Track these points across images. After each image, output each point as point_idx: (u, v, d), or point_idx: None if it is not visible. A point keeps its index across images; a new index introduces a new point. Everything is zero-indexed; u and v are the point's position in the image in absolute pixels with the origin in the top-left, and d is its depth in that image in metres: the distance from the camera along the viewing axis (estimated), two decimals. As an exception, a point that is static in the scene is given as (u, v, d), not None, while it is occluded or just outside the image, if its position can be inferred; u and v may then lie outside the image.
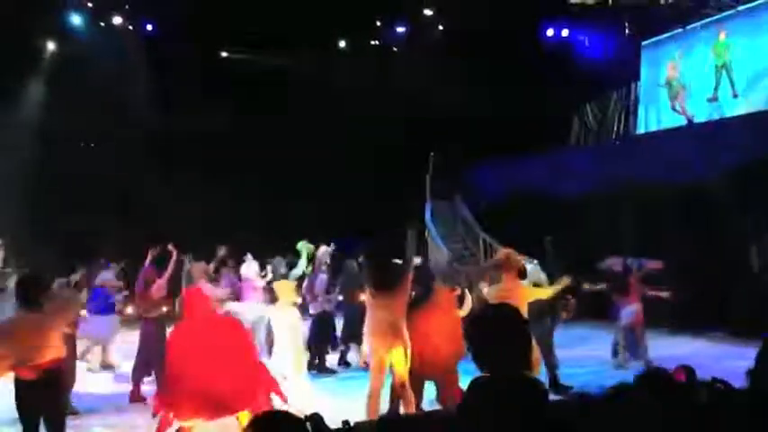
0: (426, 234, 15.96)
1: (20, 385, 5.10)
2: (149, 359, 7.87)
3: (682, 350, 9.72)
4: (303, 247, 8.61)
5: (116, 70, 16.21)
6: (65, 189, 15.55)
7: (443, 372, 6.56)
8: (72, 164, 15.61)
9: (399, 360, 6.24)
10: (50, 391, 5.12)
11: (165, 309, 8.17)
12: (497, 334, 2.53)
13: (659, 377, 2.48)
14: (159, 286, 8.09)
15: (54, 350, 5.18)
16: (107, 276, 9.83)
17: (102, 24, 16.86)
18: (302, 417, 2.33)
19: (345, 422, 2.69)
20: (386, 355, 6.23)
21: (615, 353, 9.46)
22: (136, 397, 7.95)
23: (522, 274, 6.83)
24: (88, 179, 15.62)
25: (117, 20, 16.93)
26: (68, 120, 15.55)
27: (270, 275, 9.21)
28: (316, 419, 2.32)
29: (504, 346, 2.50)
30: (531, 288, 7.01)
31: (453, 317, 6.80)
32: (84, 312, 8.98)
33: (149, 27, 17.40)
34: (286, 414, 2.35)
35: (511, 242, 8.54)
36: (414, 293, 6.68)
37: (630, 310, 9.29)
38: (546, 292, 7.03)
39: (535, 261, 8.54)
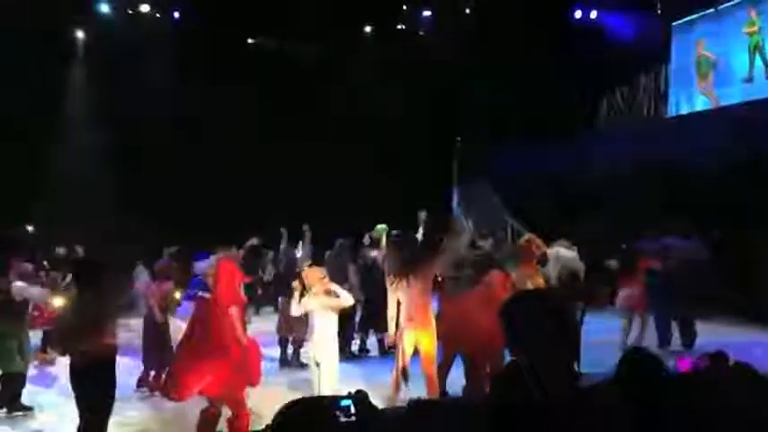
0: (455, 219, 15.94)
1: (74, 369, 5.22)
2: None
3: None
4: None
5: (144, 58, 16.35)
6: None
7: (493, 355, 6.54)
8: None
9: (426, 342, 6.28)
10: (100, 375, 5.19)
11: None
12: (525, 318, 2.47)
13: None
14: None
15: (105, 336, 5.24)
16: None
17: (130, 12, 17.00)
18: (348, 394, 2.36)
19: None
20: (411, 337, 6.28)
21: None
22: None
23: (542, 262, 6.81)
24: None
25: (144, 7, 17.06)
26: (100, 107, 15.79)
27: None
28: (362, 397, 2.34)
29: (539, 332, 2.42)
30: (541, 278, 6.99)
31: (493, 300, 6.77)
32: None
33: (176, 14, 17.50)
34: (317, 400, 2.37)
35: (537, 228, 8.53)
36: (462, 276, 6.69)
37: (627, 294, 9.22)
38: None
39: (575, 248, 8.49)
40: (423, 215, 8.73)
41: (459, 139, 17.59)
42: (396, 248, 6.63)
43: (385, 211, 11.21)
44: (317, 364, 6.41)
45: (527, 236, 7.15)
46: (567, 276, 8.25)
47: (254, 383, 5.82)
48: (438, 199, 15.98)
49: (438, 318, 6.56)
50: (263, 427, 2.67)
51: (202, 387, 5.56)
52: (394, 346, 6.59)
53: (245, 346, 5.74)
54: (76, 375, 5.15)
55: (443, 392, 6.66)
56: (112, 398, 5.26)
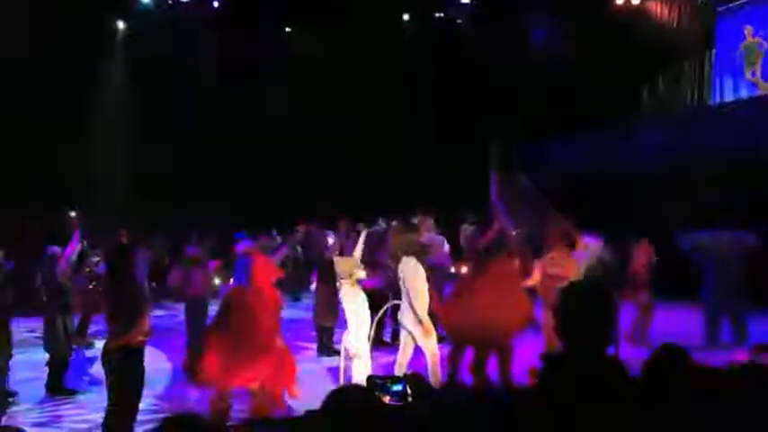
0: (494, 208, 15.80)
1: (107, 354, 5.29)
2: None
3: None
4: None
5: (184, 48, 16.48)
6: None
7: (500, 345, 6.55)
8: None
9: (425, 335, 6.29)
10: (131, 361, 5.25)
11: None
12: (581, 310, 2.49)
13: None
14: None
15: (137, 322, 5.30)
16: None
17: (170, 2, 17.12)
18: (401, 376, 2.37)
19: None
20: (411, 327, 6.32)
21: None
22: None
23: (572, 245, 6.78)
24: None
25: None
26: (142, 98, 15.98)
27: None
28: (416, 379, 2.35)
29: (588, 322, 2.46)
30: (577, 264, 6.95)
31: (513, 286, 6.74)
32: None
33: (216, 4, 17.58)
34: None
35: (579, 218, 8.43)
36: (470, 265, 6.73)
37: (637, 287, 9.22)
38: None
39: (601, 239, 8.38)
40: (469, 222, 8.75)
41: (494, 136, 17.41)
42: (408, 236, 6.68)
43: (420, 198, 11.19)
44: (347, 353, 6.42)
45: (559, 222, 7.09)
46: (597, 266, 8.18)
47: (290, 389, 5.84)
48: (476, 188, 15.91)
49: (446, 308, 6.58)
50: (303, 412, 2.67)
51: (243, 380, 5.58)
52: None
53: (284, 346, 5.80)
54: (109, 360, 5.21)
55: (454, 381, 6.63)
56: (142, 384, 5.33)
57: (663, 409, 2.54)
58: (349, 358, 6.52)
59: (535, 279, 7.05)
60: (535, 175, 16.52)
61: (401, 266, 6.56)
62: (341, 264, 6.82)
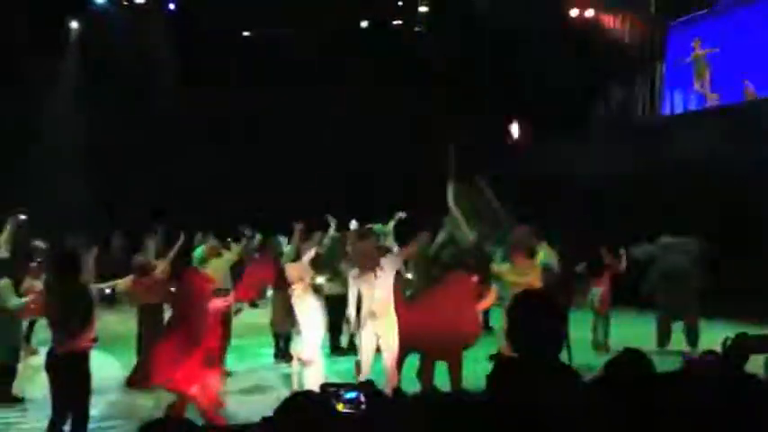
0: (450, 216, 15.89)
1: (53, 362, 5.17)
2: None
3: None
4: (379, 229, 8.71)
5: (138, 49, 16.28)
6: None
7: (451, 355, 6.63)
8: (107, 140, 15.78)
9: (390, 336, 6.32)
10: (79, 368, 5.15)
11: None
12: (530, 317, 2.58)
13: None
14: None
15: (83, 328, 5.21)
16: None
17: (126, 3, 16.89)
18: (355, 383, 2.38)
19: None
20: (373, 333, 6.33)
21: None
22: None
23: (532, 253, 6.89)
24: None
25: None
26: (90, 98, 15.71)
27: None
28: (369, 387, 2.37)
29: (536, 329, 2.54)
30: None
31: (467, 302, 6.82)
32: None
33: (171, 6, 17.40)
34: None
35: (533, 225, 8.57)
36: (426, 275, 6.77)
37: (594, 292, 9.41)
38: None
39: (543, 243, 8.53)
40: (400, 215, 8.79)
41: (451, 146, 17.56)
42: (364, 243, 6.68)
43: (381, 206, 11.19)
44: (300, 360, 6.39)
45: (521, 229, 7.18)
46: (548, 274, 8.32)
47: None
48: (434, 195, 15.96)
49: (396, 313, 6.62)
50: (260, 419, 2.66)
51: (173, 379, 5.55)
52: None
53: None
54: (55, 367, 5.11)
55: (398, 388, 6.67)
56: (89, 391, 5.25)
57: (623, 413, 2.59)
58: (302, 364, 6.50)
59: (490, 301, 7.16)
60: (492, 182, 16.68)
61: (351, 272, 6.61)
62: (290, 270, 6.79)
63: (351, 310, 6.62)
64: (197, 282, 6.10)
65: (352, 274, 6.59)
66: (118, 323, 10.45)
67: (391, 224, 8.33)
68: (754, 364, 3.05)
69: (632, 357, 2.76)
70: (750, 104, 13.52)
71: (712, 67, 14.96)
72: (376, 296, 6.40)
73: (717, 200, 11.96)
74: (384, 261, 6.50)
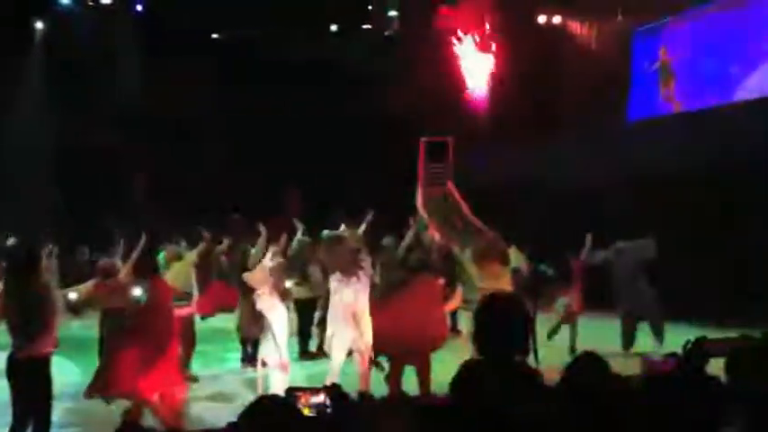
0: (417, 220, 15.94)
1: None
2: None
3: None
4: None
5: (104, 50, 16.09)
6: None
7: (419, 359, 6.65)
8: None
9: (365, 340, 6.32)
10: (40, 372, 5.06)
11: None
12: (496, 319, 2.60)
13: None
14: None
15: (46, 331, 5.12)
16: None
17: (91, 4, 16.67)
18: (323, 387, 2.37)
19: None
20: (348, 338, 6.32)
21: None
22: None
23: (505, 259, 6.92)
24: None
25: (106, -1, 16.76)
26: (56, 99, 15.48)
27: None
28: (336, 391, 2.36)
29: (500, 331, 2.56)
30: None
31: (433, 305, 6.84)
32: None
33: (139, 7, 17.21)
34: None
35: (502, 230, 8.64)
36: (393, 278, 6.79)
37: (561, 302, 9.47)
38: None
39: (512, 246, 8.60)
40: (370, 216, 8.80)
41: (423, 139, 17.61)
42: (339, 247, 6.68)
43: (349, 208, 11.18)
44: (264, 364, 6.35)
45: (491, 234, 7.21)
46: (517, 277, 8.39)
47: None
48: (404, 198, 15.98)
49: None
50: (225, 425, 2.64)
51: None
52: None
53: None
54: (15, 373, 5.01)
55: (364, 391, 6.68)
56: (51, 397, 5.15)
57: (586, 416, 2.61)
58: (267, 369, 6.45)
59: (456, 303, 7.19)
60: (462, 187, 16.73)
61: (332, 278, 6.61)
62: (253, 274, 6.74)
63: (331, 316, 6.61)
64: (161, 289, 6.04)
65: (334, 279, 6.58)
66: (81, 328, 10.28)
67: (362, 227, 8.31)
68: (715, 366, 3.10)
69: (590, 361, 2.79)
70: (713, 110, 13.75)
71: (678, 73, 15.21)
72: (359, 299, 6.40)
73: (682, 203, 12.16)
74: (363, 263, 6.51)
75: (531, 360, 7.74)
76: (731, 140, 11.65)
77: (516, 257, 8.37)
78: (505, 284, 6.69)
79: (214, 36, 18.43)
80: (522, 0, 16.54)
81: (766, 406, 2.21)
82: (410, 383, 6.95)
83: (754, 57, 13.83)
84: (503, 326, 2.56)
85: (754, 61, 13.83)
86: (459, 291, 7.26)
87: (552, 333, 9.67)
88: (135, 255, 7.88)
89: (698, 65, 14.97)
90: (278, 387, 6.06)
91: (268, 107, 17.06)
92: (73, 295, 11.33)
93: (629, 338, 9.59)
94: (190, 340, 8.09)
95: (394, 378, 6.85)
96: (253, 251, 8.84)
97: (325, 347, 6.87)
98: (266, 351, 6.36)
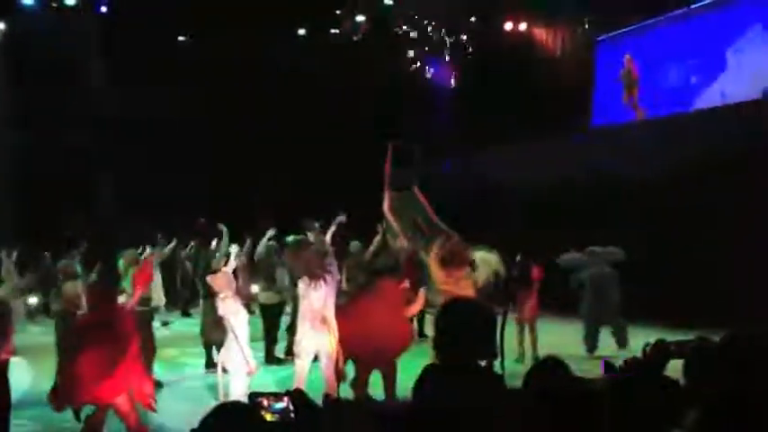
0: (384, 225, 15.97)
1: None
2: None
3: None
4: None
5: (68, 52, 15.87)
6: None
7: (385, 363, 6.65)
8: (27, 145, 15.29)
9: (332, 344, 6.35)
10: None
11: None
12: (458, 324, 2.60)
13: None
14: None
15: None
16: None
17: (55, 5, 16.43)
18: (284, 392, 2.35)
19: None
20: (313, 342, 6.30)
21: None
22: None
23: (466, 264, 6.96)
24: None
25: (70, 0, 16.49)
26: (19, 100, 15.23)
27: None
28: (299, 397, 2.34)
29: (463, 336, 2.56)
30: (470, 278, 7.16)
31: (398, 309, 6.85)
32: None
33: (104, 9, 17.00)
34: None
35: (469, 234, 8.69)
36: (357, 282, 6.80)
37: (525, 303, 9.52)
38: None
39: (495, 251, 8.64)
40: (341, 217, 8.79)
41: (390, 143, 17.66)
42: (305, 252, 6.66)
43: (318, 212, 11.15)
44: (224, 370, 6.28)
45: (453, 239, 7.24)
46: (494, 279, 8.42)
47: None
48: (369, 202, 16.00)
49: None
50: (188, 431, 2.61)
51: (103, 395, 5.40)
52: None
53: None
54: None
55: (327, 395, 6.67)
56: (9, 405, 5.06)
57: (547, 419, 2.63)
58: (227, 374, 6.37)
59: (418, 306, 7.20)
60: (429, 191, 16.79)
61: (300, 282, 6.58)
62: (216, 278, 6.68)
63: (300, 320, 6.58)
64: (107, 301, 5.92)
65: (302, 284, 6.55)
66: (40, 334, 10.11)
67: (331, 230, 8.26)
68: (673, 369, 3.16)
69: (552, 364, 2.81)
70: (675, 118, 14.01)
71: (641, 81, 15.46)
72: (327, 303, 6.39)
73: (644, 208, 12.36)
74: (330, 267, 6.50)
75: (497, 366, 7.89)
76: (692, 147, 11.87)
77: (490, 259, 8.40)
78: (467, 288, 6.71)
79: (180, 38, 18.29)
80: (489, 7, 16.67)
81: (718, 408, 2.25)
82: (376, 388, 6.97)
83: (714, 66, 14.14)
84: (463, 331, 2.55)
85: (714, 70, 14.14)
86: (422, 294, 7.27)
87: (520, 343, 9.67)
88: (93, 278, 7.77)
89: (661, 73, 15.26)
90: (238, 393, 5.98)
91: (234, 109, 16.98)
92: (33, 300, 11.20)
93: (592, 342, 9.71)
94: (149, 345, 7.96)
95: (360, 382, 6.85)
96: (217, 254, 8.79)
97: (295, 350, 6.82)
98: (226, 356, 6.28)
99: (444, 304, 2.70)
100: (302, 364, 6.47)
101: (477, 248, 8.65)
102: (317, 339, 6.41)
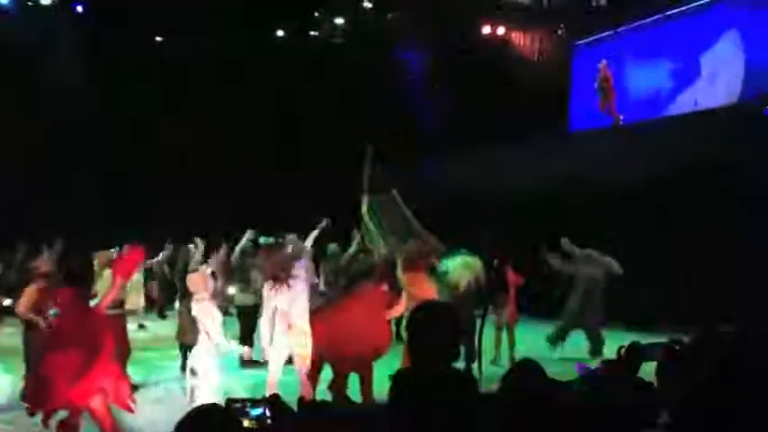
0: (363, 228, 15.96)
1: None
2: None
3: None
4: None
5: (43, 52, 15.70)
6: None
7: (363, 366, 6.66)
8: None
9: (305, 347, 6.32)
10: None
11: None
12: (427, 329, 2.61)
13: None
14: None
15: None
16: None
17: (30, 4, 16.24)
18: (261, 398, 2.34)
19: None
20: (286, 346, 6.33)
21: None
22: None
23: (429, 265, 7.03)
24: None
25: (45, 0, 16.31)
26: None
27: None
28: (275, 402, 2.34)
29: (435, 340, 2.57)
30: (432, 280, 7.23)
31: (377, 313, 6.86)
32: None
33: (79, 8, 16.83)
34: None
35: (450, 238, 8.77)
36: (336, 285, 6.82)
37: (505, 309, 9.52)
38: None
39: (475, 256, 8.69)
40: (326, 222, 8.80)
41: (369, 146, 17.67)
42: (274, 256, 6.67)
43: (292, 215, 11.14)
44: (194, 373, 6.20)
45: (427, 243, 7.30)
46: (474, 283, 8.48)
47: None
48: (347, 205, 15.99)
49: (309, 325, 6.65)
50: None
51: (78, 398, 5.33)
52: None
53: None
54: None
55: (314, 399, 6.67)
56: None
57: (522, 422, 2.65)
58: (196, 377, 6.30)
59: (399, 309, 7.21)
60: (407, 194, 16.80)
61: (265, 285, 6.58)
62: (192, 279, 6.63)
63: (266, 324, 6.56)
64: (69, 297, 5.84)
65: (266, 287, 6.54)
66: (9, 336, 10.00)
67: (314, 234, 8.25)
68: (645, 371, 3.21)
69: (528, 367, 2.84)
70: (650, 123, 14.16)
71: (617, 87, 15.61)
72: (294, 307, 6.38)
73: (621, 213, 12.50)
74: (297, 271, 6.50)
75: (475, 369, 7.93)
76: (666, 152, 12.01)
77: (471, 265, 8.45)
78: (430, 292, 6.79)
79: (158, 39, 18.15)
80: (467, 11, 16.73)
81: (687, 409, 2.29)
82: (354, 391, 6.96)
83: (689, 72, 14.32)
84: (428, 335, 2.58)
85: (689, 76, 14.33)
86: (403, 298, 7.29)
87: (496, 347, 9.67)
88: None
89: (636, 79, 15.42)
90: (206, 397, 5.89)
91: (211, 110, 16.89)
92: (7, 302, 11.01)
93: (562, 339, 9.80)
94: (124, 348, 7.88)
95: (337, 385, 6.85)
96: (195, 258, 8.75)
97: (266, 355, 6.80)
98: (196, 359, 6.18)
99: (412, 310, 2.73)
100: (273, 369, 6.46)
101: (458, 253, 8.72)
102: (285, 342, 6.39)
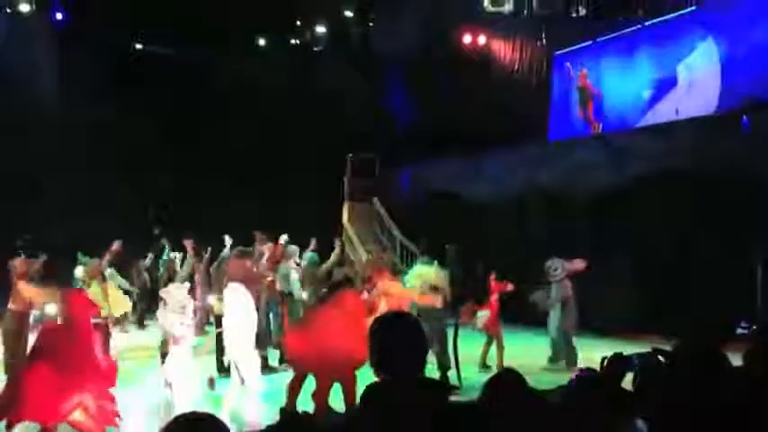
0: (344, 236, 15.98)
1: None
2: None
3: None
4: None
5: (22, 60, 15.58)
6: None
7: (345, 375, 6.65)
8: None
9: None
10: None
11: None
12: (397, 339, 2.62)
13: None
14: None
15: None
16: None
17: (9, 11, 16.11)
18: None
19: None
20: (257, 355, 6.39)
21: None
22: None
23: (394, 272, 7.09)
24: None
25: (24, 7, 16.18)
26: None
27: None
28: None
29: (403, 350, 2.59)
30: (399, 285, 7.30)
31: (358, 321, 6.86)
32: None
33: (59, 16, 16.72)
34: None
35: (428, 244, 8.80)
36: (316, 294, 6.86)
37: (483, 314, 9.50)
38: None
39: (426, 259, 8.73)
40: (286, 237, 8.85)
41: (350, 155, 17.76)
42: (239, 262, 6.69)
43: (273, 225, 11.13)
44: (168, 384, 6.15)
45: (374, 251, 7.40)
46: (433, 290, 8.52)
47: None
48: (329, 214, 16.02)
49: (291, 335, 6.66)
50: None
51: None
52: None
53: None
54: None
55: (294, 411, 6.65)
56: None
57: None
58: (172, 390, 6.24)
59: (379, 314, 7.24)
60: (387, 202, 16.88)
61: (226, 292, 6.62)
62: (168, 293, 6.61)
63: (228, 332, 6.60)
64: (76, 303, 5.81)
65: (227, 293, 6.58)
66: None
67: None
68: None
69: (507, 377, 2.85)
70: (628, 132, 14.30)
71: (595, 96, 15.77)
72: (252, 316, 6.41)
73: (596, 221, 12.61)
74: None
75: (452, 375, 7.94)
76: (642, 161, 12.16)
77: (424, 274, 8.48)
78: (407, 295, 6.86)
79: (138, 46, 18.09)
80: (448, 20, 16.85)
81: (668, 419, 2.32)
82: (337, 400, 6.94)
83: (665, 82, 14.51)
84: (390, 345, 2.60)
85: (665, 86, 14.52)
86: (383, 305, 7.30)
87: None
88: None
89: (614, 88, 15.59)
90: (180, 406, 5.83)
91: (192, 118, 16.84)
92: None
93: (560, 352, 9.81)
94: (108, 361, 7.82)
95: (320, 394, 6.81)
96: (183, 267, 8.70)
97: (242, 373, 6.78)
98: (170, 370, 6.12)
99: (374, 322, 2.73)
100: (250, 381, 6.44)
101: (419, 262, 8.85)
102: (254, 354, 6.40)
